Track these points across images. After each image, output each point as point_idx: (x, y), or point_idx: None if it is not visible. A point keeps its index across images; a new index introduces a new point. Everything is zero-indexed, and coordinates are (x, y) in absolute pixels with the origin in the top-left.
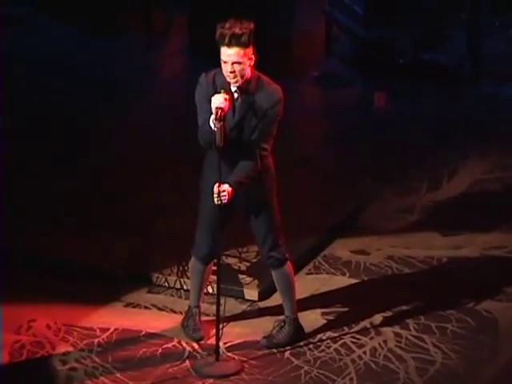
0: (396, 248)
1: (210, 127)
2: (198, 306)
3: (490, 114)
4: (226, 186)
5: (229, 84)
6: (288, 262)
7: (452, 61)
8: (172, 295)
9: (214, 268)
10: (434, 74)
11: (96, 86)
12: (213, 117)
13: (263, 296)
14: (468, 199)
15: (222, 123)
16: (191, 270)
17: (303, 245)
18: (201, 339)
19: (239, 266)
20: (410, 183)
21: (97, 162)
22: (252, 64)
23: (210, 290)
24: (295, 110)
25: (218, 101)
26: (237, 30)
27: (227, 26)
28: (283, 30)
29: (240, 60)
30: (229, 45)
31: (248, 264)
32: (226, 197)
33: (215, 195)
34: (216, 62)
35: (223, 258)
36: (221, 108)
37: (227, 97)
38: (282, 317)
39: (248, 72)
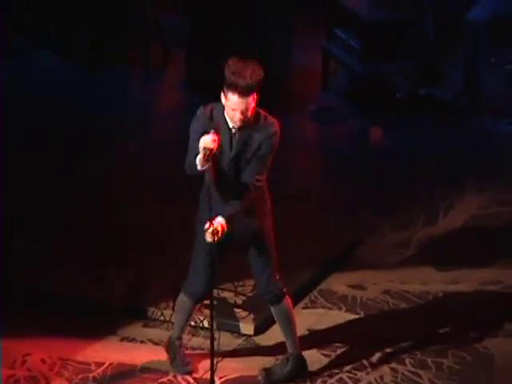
0: (392, 282)
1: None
2: (180, 339)
3: (487, 149)
4: (219, 219)
5: (225, 120)
6: (286, 297)
7: (449, 96)
8: (167, 329)
9: (207, 302)
10: (430, 109)
11: (94, 120)
12: (200, 156)
13: (259, 330)
14: (464, 234)
15: (209, 163)
16: (179, 304)
17: (299, 278)
18: (191, 372)
19: (235, 300)
20: (406, 217)
21: (96, 196)
22: (254, 105)
23: (206, 325)
24: (293, 143)
25: (208, 141)
26: (249, 81)
27: (238, 72)
28: (280, 66)
29: (249, 107)
30: (241, 95)
31: (244, 298)
32: (219, 234)
33: (207, 234)
34: (213, 95)
35: (219, 291)
36: (209, 149)
37: (216, 138)
38: (275, 352)
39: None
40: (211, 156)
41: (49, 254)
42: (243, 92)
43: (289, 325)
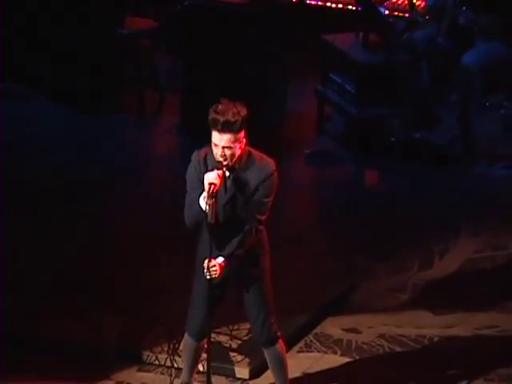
0: (387, 326)
1: (200, 206)
2: (188, 383)
3: (481, 193)
4: (219, 259)
5: (221, 163)
6: (280, 340)
7: (444, 140)
8: (162, 373)
9: (206, 346)
10: (425, 153)
11: (92, 167)
12: (205, 193)
13: (254, 374)
14: (460, 278)
15: (213, 200)
16: (184, 346)
17: (295, 322)
18: None
19: (230, 344)
20: (401, 261)
21: (88, 240)
22: (242, 146)
23: (201, 368)
24: (288, 187)
25: (212, 177)
26: (230, 118)
27: (220, 110)
28: (275, 112)
29: (231, 145)
30: (221, 131)
31: (239, 342)
32: (217, 272)
33: (205, 270)
34: (206, 140)
35: (214, 335)
36: (213, 184)
37: (220, 173)
38: None
39: (238, 153)
40: (216, 192)
41: (48, 304)
42: (223, 128)
43: (281, 368)
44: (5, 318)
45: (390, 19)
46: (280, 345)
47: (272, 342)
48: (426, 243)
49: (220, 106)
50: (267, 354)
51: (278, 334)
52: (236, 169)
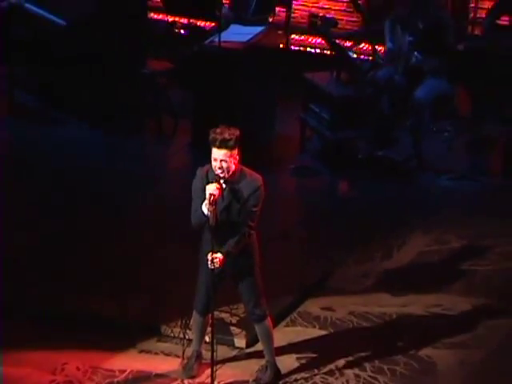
0: (356, 306)
1: (203, 212)
2: (197, 351)
3: (430, 199)
4: (218, 255)
5: (218, 177)
6: (268, 318)
7: (400, 157)
8: (176, 343)
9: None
10: (386, 167)
11: (115, 178)
12: (206, 201)
13: (250, 344)
14: (413, 267)
15: (214, 207)
16: (193, 321)
17: (282, 303)
18: (194, 377)
19: (230, 320)
20: (367, 253)
21: (117, 232)
22: (236, 162)
23: (207, 339)
24: (276, 195)
25: (212, 188)
26: (226, 136)
27: (218, 131)
28: (265, 133)
29: (227, 159)
30: (219, 147)
31: (238, 318)
32: (218, 262)
33: (209, 262)
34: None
35: (218, 313)
36: (213, 194)
37: (219, 186)
38: (263, 361)
39: (233, 167)
40: (215, 201)
41: (86, 283)
42: (220, 145)
43: (268, 340)
44: (47, 296)
45: (358, 61)
46: (267, 321)
47: (261, 320)
48: (386, 239)
49: (218, 129)
50: (257, 328)
51: (266, 312)
52: (231, 182)
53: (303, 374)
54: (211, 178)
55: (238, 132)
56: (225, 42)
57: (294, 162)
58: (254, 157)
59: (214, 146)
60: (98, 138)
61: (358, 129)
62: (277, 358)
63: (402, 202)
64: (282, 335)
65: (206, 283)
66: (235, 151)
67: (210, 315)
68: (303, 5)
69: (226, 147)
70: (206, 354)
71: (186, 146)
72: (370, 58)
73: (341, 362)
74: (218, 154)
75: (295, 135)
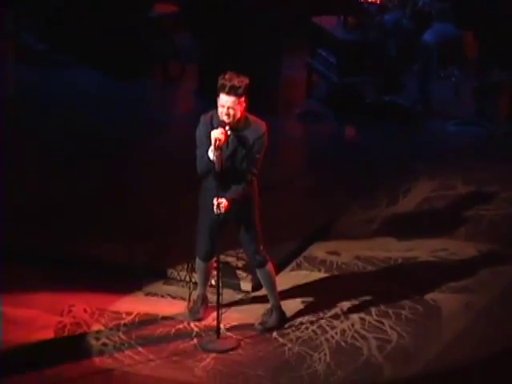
0: (361, 250)
1: (209, 158)
2: (203, 294)
3: (437, 145)
4: (223, 200)
5: (224, 123)
6: (269, 263)
7: (407, 102)
8: (183, 286)
9: (215, 265)
10: (393, 112)
11: (122, 122)
12: (212, 147)
13: (256, 288)
14: (419, 212)
15: (219, 152)
16: (196, 266)
17: (288, 248)
18: (202, 320)
19: (236, 264)
20: (373, 199)
21: (125, 180)
22: (242, 110)
23: (213, 283)
24: (282, 140)
25: (217, 133)
26: (235, 83)
27: (227, 77)
28: (272, 78)
29: (234, 106)
30: (228, 93)
31: (243, 262)
32: (224, 208)
33: (215, 206)
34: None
35: (224, 257)
36: (219, 139)
37: (224, 130)
38: (269, 305)
39: (238, 114)
40: (221, 146)
41: (94, 229)
42: (229, 91)
43: (271, 284)
44: (61, 241)
45: (365, 5)
46: (269, 266)
47: (261, 265)
48: (392, 185)
49: (227, 75)
50: (259, 274)
51: (267, 258)
52: (236, 129)
53: (308, 318)
54: (216, 124)
55: (247, 80)
56: None
57: (300, 107)
58: (261, 102)
59: (223, 92)
60: (105, 83)
61: (365, 73)
62: (282, 302)
63: (408, 147)
64: (288, 279)
65: (209, 229)
66: (242, 99)
67: (215, 259)
68: None
69: (234, 94)
70: (212, 298)
71: (192, 91)
72: (378, 1)
73: (346, 306)
74: (226, 100)
75: (302, 80)
